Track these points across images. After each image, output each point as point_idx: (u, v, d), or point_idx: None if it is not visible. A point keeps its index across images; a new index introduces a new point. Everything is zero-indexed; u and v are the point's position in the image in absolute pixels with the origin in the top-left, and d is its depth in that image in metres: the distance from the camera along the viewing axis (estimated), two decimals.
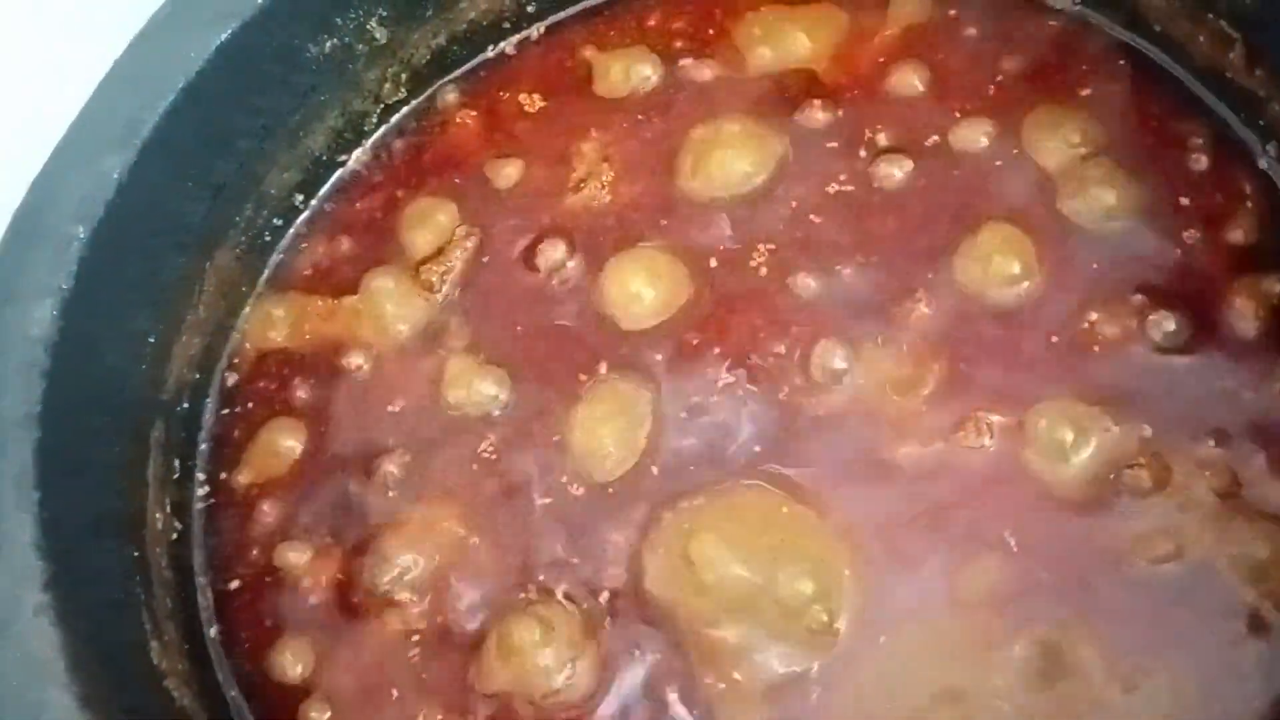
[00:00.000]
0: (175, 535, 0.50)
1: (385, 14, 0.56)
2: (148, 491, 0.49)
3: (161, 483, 0.50)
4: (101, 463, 0.47)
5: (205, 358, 0.54)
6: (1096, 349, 0.47)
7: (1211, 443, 0.44)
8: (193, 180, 0.51)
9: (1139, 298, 0.47)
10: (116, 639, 0.43)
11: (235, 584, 0.50)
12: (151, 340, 0.50)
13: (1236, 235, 0.48)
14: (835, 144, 0.53)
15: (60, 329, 0.44)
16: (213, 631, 0.49)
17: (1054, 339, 0.47)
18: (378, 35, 0.56)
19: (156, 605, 0.47)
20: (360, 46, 0.56)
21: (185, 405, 0.52)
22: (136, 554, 0.47)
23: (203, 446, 0.53)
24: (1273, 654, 0.41)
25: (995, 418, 0.46)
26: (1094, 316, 0.47)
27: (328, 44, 0.55)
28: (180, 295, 0.52)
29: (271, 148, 0.55)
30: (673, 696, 0.45)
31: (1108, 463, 0.45)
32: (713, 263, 0.52)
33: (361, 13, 0.55)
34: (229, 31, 0.50)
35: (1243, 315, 0.46)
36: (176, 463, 0.51)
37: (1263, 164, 0.49)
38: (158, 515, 0.49)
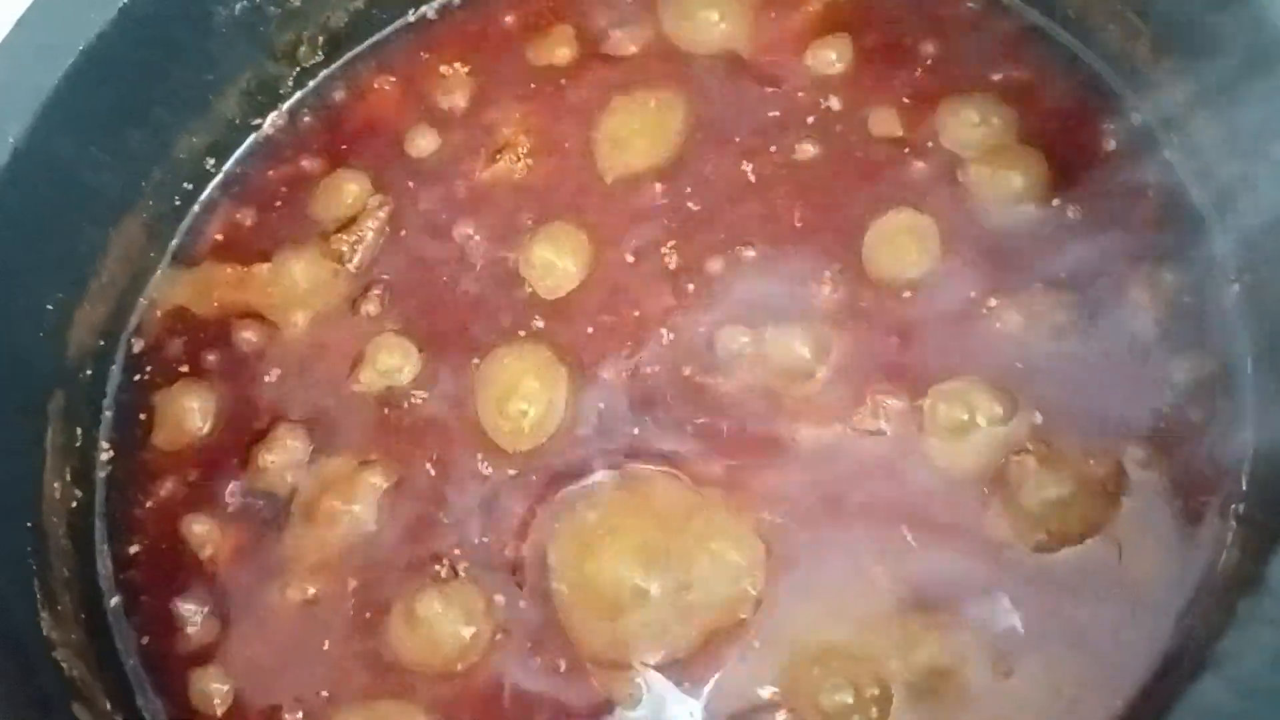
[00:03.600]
0: (74, 504, 0.50)
1: None
2: (45, 460, 0.49)
3: (61, 451, 0.50)
4: None
5: (110, 325, 0.53)
6: (994, 335, 0.47)
7: (1100, 432, 0.45)
8: (96, 146, 0.50)
9: (1039, 285, 0.48)
10: (2, 611, 0.43)
11: (136, 549, 0.50)
12: (50, 308, 0.49)
13: (1138, 225, 0.48)
14: (752, 124, 0.53)
15: None
16: (113, 601, 0.49)
17: (954, 324, 0.48)
18: None
19: (51, 576, 0.47)
20: (272, 9, 0.55)
21: (88, 372, 0.52)
22: (30, 524, 0.47)
23: (107, 414, 0.53)
24: (1150, 636, 0.42)
25: (892, 401, 0.47)
26: (993, 303, 0.48)
27: (238, 6, 0.53)
28: (82, 262, 0.51)
29: (180, 111, 0.54)
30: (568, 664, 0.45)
31: (998, 448, 0.45)
32: (625, 239, 0.52)
33: None
34: None
35: (1139, 306, 0.47)
36: (78, 431, 0.51)
37: (1167, 155, 0.49)
38: (55, 484, 0.49)
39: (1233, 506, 0.43)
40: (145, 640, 0.49)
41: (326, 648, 0.47)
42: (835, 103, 0.53)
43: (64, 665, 0.44)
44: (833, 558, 0.45)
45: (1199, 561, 0.43)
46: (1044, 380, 0.46)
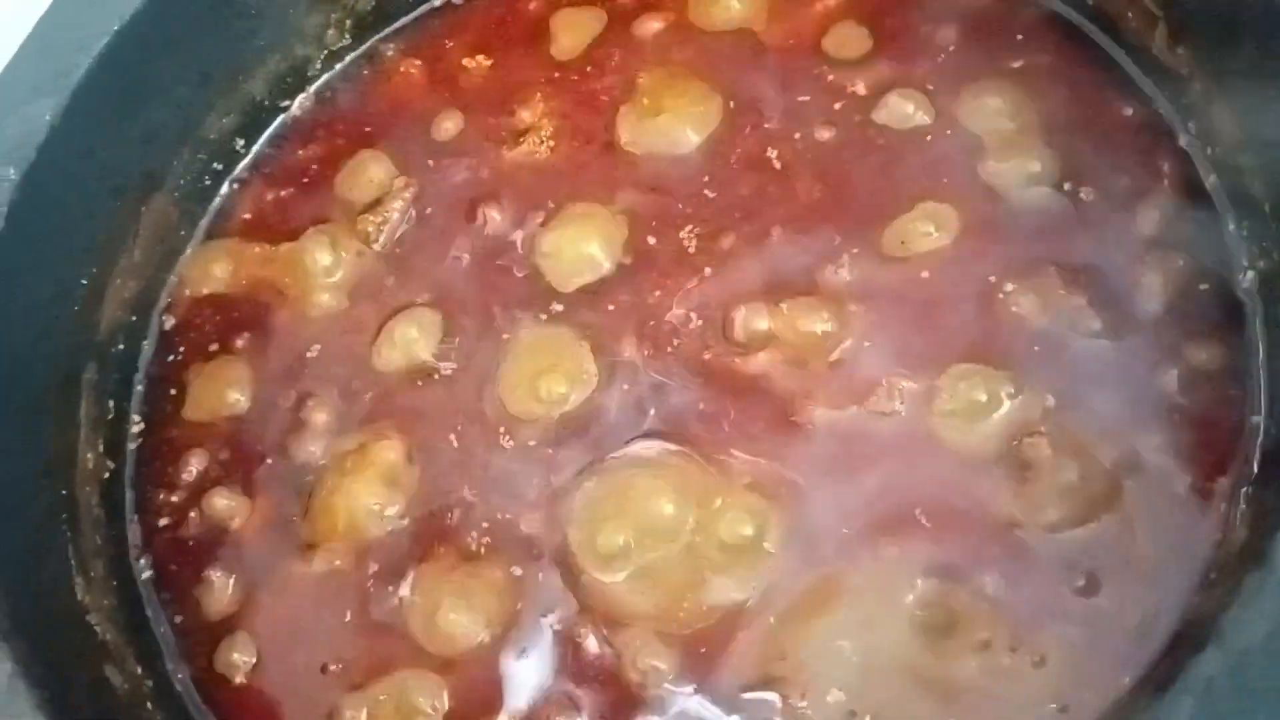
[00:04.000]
0: (107, 474, 0.51)
1: None
2: (79, 432, 0.50)
3: (94, 423, 0.51)
4: (28, 403, 0.47)
5: (141, 301, 0.54)
6: (1010, 319, 0.48)
7: (1112, 414, 0.45)
8: (128, 124, 0.52)
9: (1054, 270, 0.48)
10: (38, 574, 0.44)
11: (165, 521, 0.51)
12: (84, 282, 0.51)
13: (1153, 212, 0.49)
14: (774, 108, 0.54)
15: None
16: (145, 574, 0.50)
17: (970, 307, 0.48)
18: None
19: (84, 543, 0.48)
20: None
21: (120, 347, 0.53)
22: (64, 492, 0.48)
23: (138, 388, 0.54)
24: (1158, 616, 0.43)
25: (907, 383, 0.47)
26: (1009, 288, 0.48)
27: None
28: (114, 238, 0.52)
29: (210, 92, 0.55)
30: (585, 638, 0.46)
31: (1010, 431, 0.46)
32: (646, 221, 0.53)
33: None
34: None
35: (1151, 292, 0.47)
36: (110, 404, 0.52)
37: (1183, 142, 0.50)
38: (89, 455, 0.50)
39: (1243, 489, 0.43)
40: (174, 607, 0.50)
41: (349, 619, 0.48)
42: (861, 87, 0.53)
43: (97, 629, 0.46)
44: (846, 538, 0.45)
45: (1207, 542, 0.43)
46: (1057, 363, 0.46)
